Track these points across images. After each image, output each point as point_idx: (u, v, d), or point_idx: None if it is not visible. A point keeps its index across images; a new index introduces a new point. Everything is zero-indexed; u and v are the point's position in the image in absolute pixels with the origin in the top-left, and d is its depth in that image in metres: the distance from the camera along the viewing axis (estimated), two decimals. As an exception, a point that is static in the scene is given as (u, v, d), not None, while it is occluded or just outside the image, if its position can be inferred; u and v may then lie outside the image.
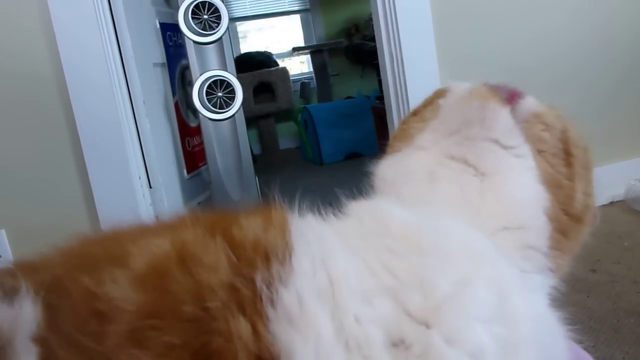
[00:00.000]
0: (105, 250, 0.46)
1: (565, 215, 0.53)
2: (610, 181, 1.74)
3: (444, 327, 0.38)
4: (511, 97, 0.56)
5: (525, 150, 0.54)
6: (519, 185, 0.53)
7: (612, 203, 1.75)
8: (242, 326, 0.37)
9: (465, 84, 0.61)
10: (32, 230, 1.52)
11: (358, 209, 0.53)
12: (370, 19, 1.78)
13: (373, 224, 0.48)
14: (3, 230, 1.55)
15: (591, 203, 0.56)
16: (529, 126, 0.55)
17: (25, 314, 0.40)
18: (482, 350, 0.38)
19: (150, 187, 1.61)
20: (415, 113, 0.66)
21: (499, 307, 0.41)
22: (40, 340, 0.38)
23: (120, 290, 0.39)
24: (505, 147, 0.54)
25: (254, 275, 0.39)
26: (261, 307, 0.38)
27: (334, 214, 0.51)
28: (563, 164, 0.54)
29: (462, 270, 0.42)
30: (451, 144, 0.56)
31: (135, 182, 1.55)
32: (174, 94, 1.91)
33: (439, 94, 0.64)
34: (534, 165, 0.54)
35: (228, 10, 1.69)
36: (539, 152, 0.54)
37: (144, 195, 1.57)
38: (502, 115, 0.55)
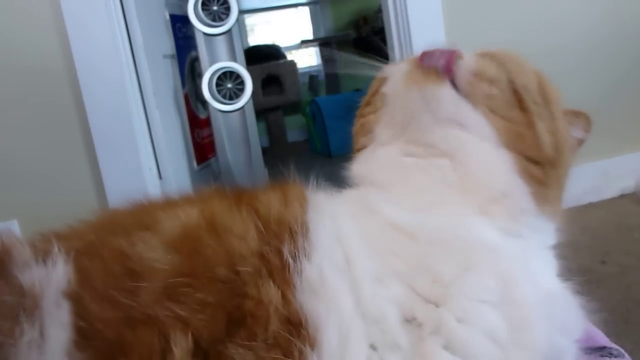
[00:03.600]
0: (134, 218, 0.48)
1: (537, 164, 0.51)
2: (620, 173, 1.74)
3: (454, 307, 0.40)
4: (447, 65, 0.52)
5: (476, 119, 0.51)
6: (483, 159, 0.51)
7: (622, 195, 1.74)
8: (272, 291, 0.39)
9: (399, 67, 0.58)
10: (43, 221, 1.52)
11: (354, 196, 0.54)
12: (379, 11, 1.77)
13: (370, 213, 0.49)
14: (15, 220, 1.56)
15: (563, 140, 0.52)
16: (473, 87, 0.52)
17: (56, 272, 0.42)
18: (495, 329, 0.40)
19: (161, 178, 1.62)
20: (367, 103, 0.64)
21: (504, 292, 0.41)
22: (73, 296, 0.40)
23: (153, 252, 0.41)
24: (458, 124, 0.52)
25: (281, 246, 0.41)
26: (289, 276, 0.40)
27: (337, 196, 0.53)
28: (519, 111, 0.51)
29: (462, 260, 0.43)
30: (410, 136, 0.55)
31: (146, 173, 1.56)
32: (183, 85, 1.92)
33: (380, 81, 0.61)
34: (489, 128, 0.51)
35: (237, 2, 1.69)
36: (491, 111, 0.51)
37: (154, 187, 1.58)
38: (443, 95, 0.52)
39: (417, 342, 0.39)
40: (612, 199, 1.73)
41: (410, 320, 0.39)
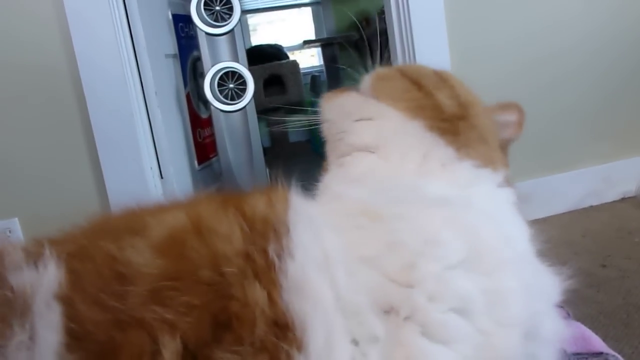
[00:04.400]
0: (125, 223, 0.49)
1: (444, 121, 0.61)
2: (621, 177, 1.74)
3: (425, 282, 0.40)
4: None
5: (383, 109, 0.63)
6: (397, 134, 0.61)
7: (623, 199, 1.74)
8: (258, 293, 0.39)
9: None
10: (44, 219, 1.53)
11: (324, 195, 0.58)
12: (382, 12, 1.77)
13: (339, 205, 0.52)
14: (16, 218, 1.56)
15: (466, 99, 0.63)
16: (377, 90, 0.66)
17: (47, 275, 0.42)
18: (468, 301, 0.40)
19: (162, 178, 1.62)
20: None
21: (469, 244, 0.43)
22: (64, 298, 0.41)
23: (140, 256, 0.41)
24: (369, 118, 0.63)
25: (266, 246, 0.42)
26: (275, 276, 0.40)
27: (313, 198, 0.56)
28: (417, 92, 0.63)
29: (422, 225, 0.45)
30: (339, 146, 0.65)
31: (147, 173, 1.56)
32: (185, 85, 1.92)
33: None
34: (396, 112, 0.62)
35: (239, 2, 1.69)
36: (395, 100, 0.63)
37: (155, 186, 1.58)
38: (349, 98, 0.67)
39: (394, 331, 0.39)
40: (613, 203, 1.73)
41: (388, 311, 0.40)
